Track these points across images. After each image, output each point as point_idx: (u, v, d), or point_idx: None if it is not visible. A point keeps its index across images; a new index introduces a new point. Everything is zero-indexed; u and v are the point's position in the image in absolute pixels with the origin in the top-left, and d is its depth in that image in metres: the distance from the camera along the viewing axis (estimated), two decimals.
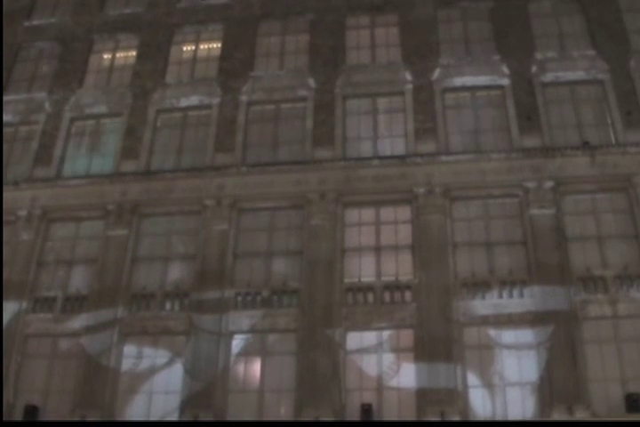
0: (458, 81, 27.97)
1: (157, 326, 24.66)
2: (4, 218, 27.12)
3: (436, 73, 28.17)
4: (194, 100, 29.25)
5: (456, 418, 21.59)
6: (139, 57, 31.04)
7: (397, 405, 22.48)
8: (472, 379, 22.45)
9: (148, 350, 24.34)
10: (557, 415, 21.23)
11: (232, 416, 22.81)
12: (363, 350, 23.38)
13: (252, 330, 24.17)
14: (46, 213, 27.26)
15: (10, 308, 25.37)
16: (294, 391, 22.95)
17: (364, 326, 23.66)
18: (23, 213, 27.21)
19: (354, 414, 22.17)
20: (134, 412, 23.35)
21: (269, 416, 22.70)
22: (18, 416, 23.38)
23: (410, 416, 22.08)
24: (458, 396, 22.08)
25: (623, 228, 24.47)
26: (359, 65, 29.19)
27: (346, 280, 24.55)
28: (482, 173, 25.50)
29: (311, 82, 28.72)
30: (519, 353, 22.66)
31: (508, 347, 22.76)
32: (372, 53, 29.48)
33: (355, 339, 23.57)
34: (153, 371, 23.98)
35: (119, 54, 31.66)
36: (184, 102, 29.31)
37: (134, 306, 25.09)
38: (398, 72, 28.51)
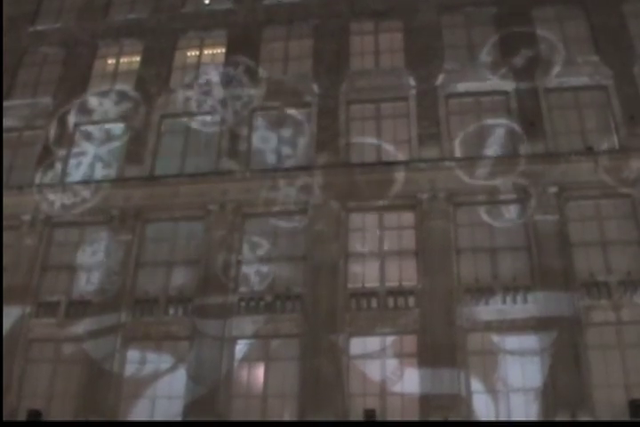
0: (462, 86, 27.96)
1: (161, 332, 24.67)
2: (9, 223, 27.11)
3: (440, 78, 28.15)
4: None
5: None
6: (143, 62, 31.10)
7: (401, 410, 22.42)
8: (476, 385, 22.42)
9: (151, 355, 24.34)
10: None
11: None
12: (366, 356, 23.33)
13: (255, 335, 24.17)
14: (50, 217, 27.28)
15: (13, 312, 25.37)
16: (297, 397, 22.94)
17: (368, 332, 23.64)
18: (27, 217, 27.21)
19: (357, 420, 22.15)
20: (137, 417, 23.32)
21: None
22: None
23: None
24: (461, 401, 22.05)
25: (627, 233, 24.42)
26: (363, 70, 29.19)
27: (349, 285, 24.53)
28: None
29: (315, 87, 28.73)
30: (523, 359, 22.61)
31: (512, 353, 22.72)
32: (375, 59, 29.50)
33: (358, 344, 23.53)
34: (156, 376, 23.98)
35: (123, 59, 31.71)
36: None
37: (138, 311, 25.11)
38: (402, 77, 28.51)
